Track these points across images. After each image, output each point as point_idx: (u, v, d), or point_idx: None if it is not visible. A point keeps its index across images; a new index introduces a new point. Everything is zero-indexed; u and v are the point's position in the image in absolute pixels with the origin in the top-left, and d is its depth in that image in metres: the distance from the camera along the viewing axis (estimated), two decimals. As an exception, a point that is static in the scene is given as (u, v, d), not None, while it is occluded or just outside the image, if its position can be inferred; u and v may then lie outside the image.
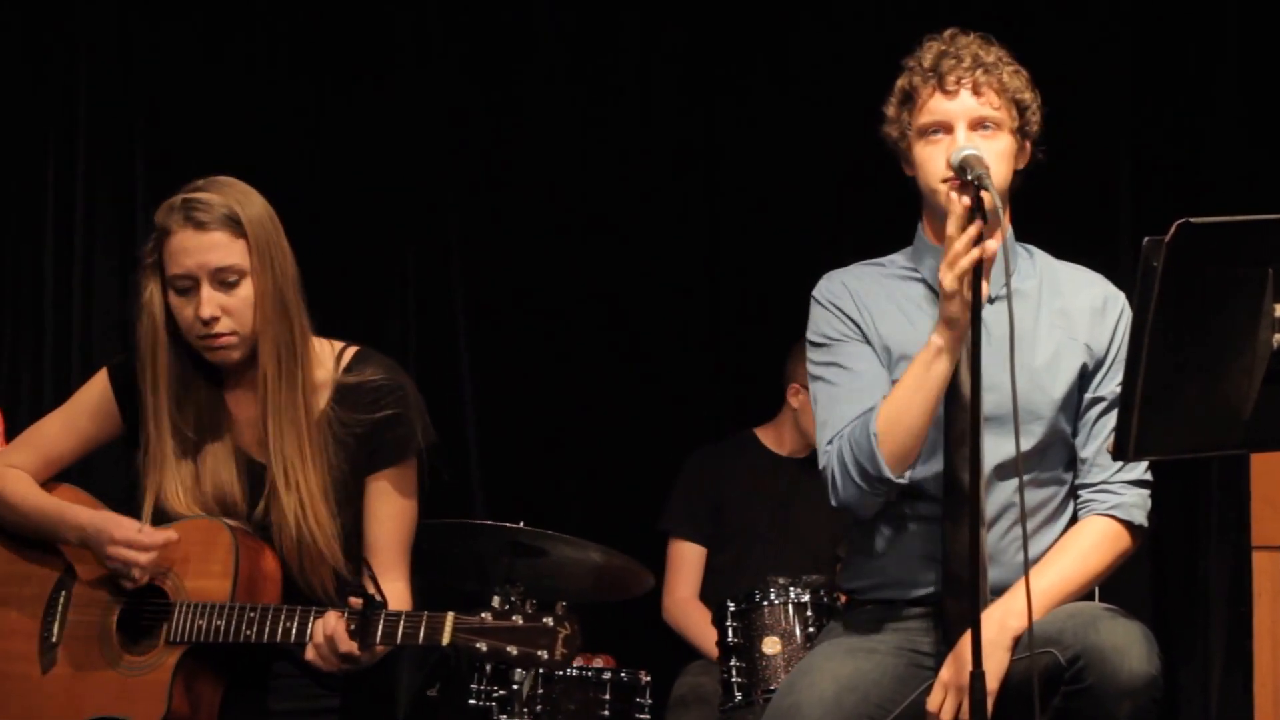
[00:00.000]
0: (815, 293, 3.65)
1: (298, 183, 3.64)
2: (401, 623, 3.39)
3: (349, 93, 5.67)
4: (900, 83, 3.56)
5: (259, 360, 3.61)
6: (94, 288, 5.34)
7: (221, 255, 3.58)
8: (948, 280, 3.31)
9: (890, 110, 3.57)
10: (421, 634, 3.38)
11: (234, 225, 3.58)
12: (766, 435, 5.43)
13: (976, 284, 3.35)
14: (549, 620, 3.33)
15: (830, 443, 3.50)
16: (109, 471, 4.06)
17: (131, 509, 3.69)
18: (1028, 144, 3.56)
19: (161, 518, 3.64)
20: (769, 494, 5.30)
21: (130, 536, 3.56)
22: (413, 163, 5.68)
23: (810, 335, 3.64)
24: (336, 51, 5.68)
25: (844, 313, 3.60)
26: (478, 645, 3.34)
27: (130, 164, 5.40)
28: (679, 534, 5.30)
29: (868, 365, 3.55)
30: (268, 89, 5.55)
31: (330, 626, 3.43)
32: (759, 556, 5.24)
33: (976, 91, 3.48)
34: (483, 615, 3.35)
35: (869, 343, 3.58)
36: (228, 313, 3.58)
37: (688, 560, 5.28)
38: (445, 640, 3.35)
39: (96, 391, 3.76)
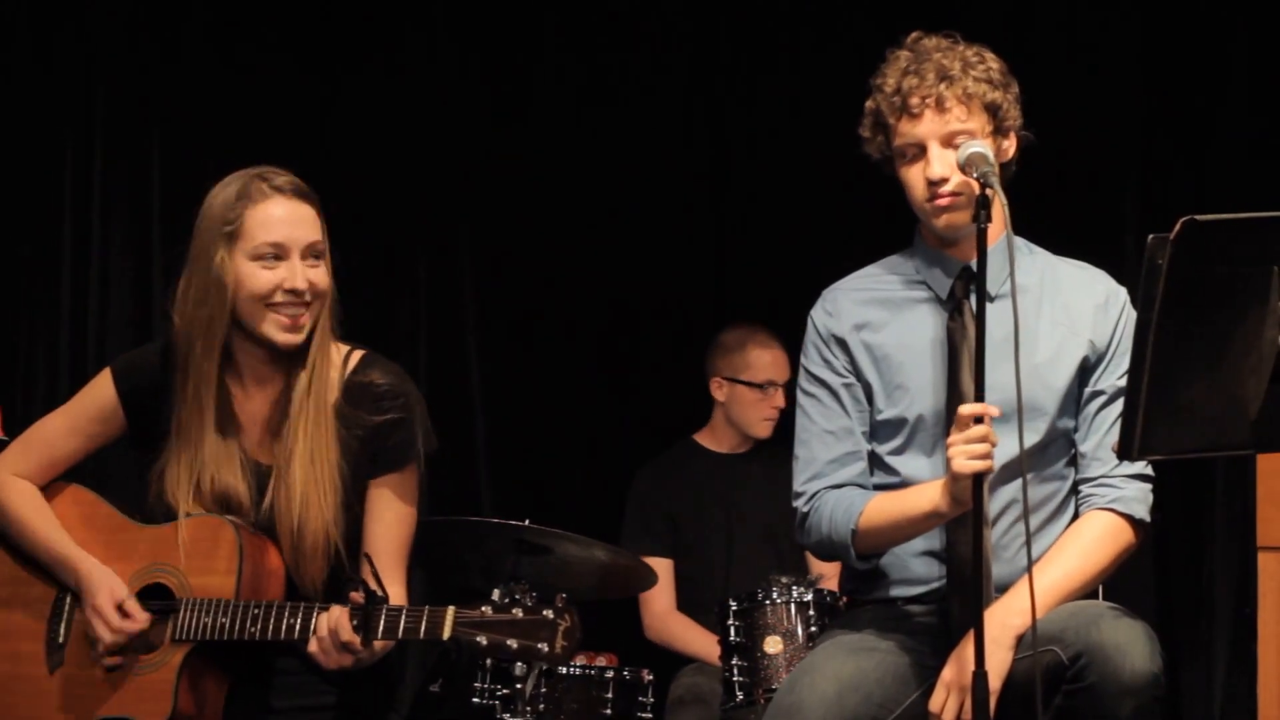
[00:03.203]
0: (812, 314, 3.69)
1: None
2: (403, 617, 3.40)
3: (359, 97, 5.66)
4: (869, 105, 3.58)
5: (311, 347, 3.60)
6: (110, 290, 5.33)
7: (312, 230, 3.60)
8: (964, 467, 3.30)
9: (865, 133, 3.60)
10: (423, 628, 3.38)
11: (318, 205, 3.62)
12: (705, 438, 5.43)
13: (980, 279, 3.36)
14: (549, 613, 3.34)
15: (808, 492, 3.59)
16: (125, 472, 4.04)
17: (141, 505, 3.71)
18: (1011, 136, 3.57)
19: (167, 512, 3.63)
20: (718, 495, 5.31)
21: (107, 611, 3.55)
22: (423, 168, 5.69)
23: (802, 358, 3.69)
24: (347, 55, 5.67)
25: (836, 341, 3.63)
26: (478, 639, 3.34)
27: (146, 168, 5.39)
28: (642, 551, 5.26)
29: (843, 412, 3.60)
30: (280, 92, 5.54)
31: (334, 620, 3.43)
32: (721, 557, 5.26)
33: (941, 108, 3.49)
34: (483, 609, 3.35)
35: (856, 376, 3.61)
36: (311, 287, 3.58)
37: (658, 575, 5.27)
38: (446, 634, 3.36)
39: (100, 392, 3.74)
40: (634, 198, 5.79)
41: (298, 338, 3.58)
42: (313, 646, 3.46)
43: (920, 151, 3.50)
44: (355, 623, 3.41)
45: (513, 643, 3.33)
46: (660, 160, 5.83)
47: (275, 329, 3.58)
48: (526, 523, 4.46)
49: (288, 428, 3.60)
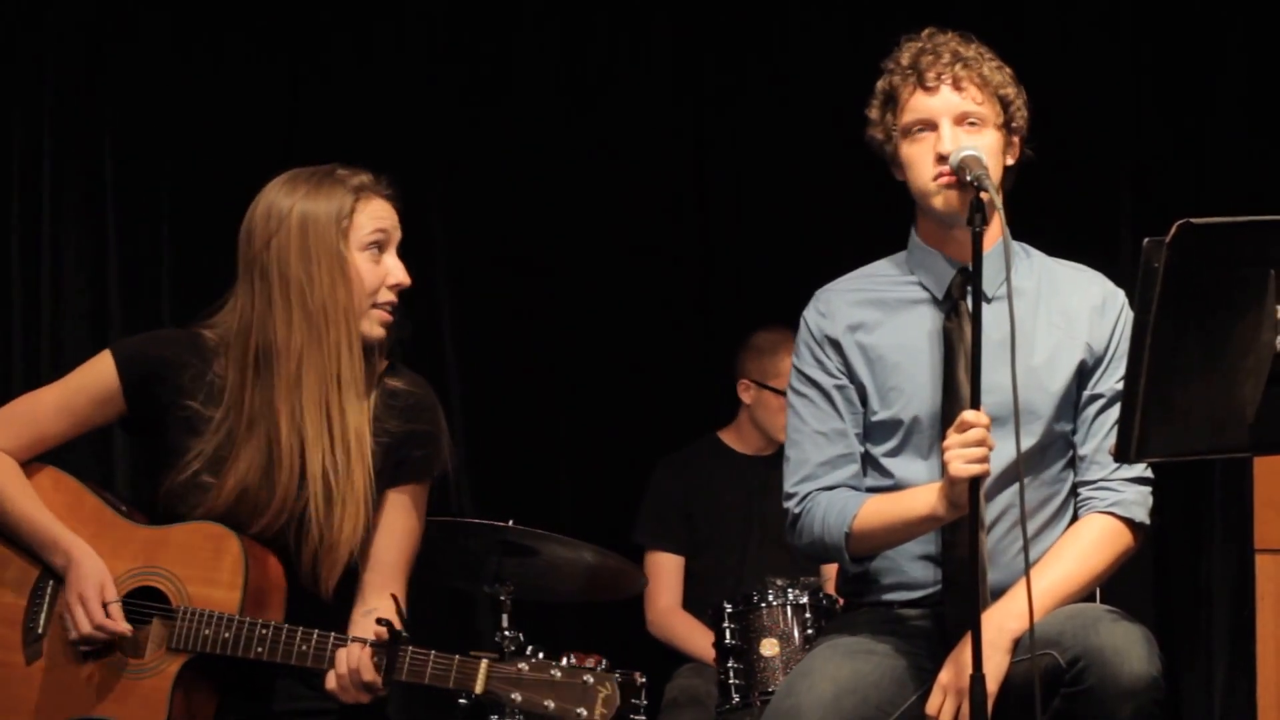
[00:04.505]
0: (805, 315, 3.66)
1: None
2: (431, 662, 3.36)
3: (325, 89, 5.61)
4: (880, 84, 3.56)
5: (380, 346, 3.64)
6: (63, 282, 5.27)
7: (400, 230, 3.67)
8: (961, 471, 3.28)
9: (873, 113, 3.57)
10: (452, 678, 3.34)
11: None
12: (729, 437, 5.42)
13: (976, 281, 3.35)
14: (589, 678, 3.28)
15: (800, 494, 3.57)
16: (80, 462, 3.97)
17: (131, 495, 3.67)
18: (1015, 140, 3.55)
19: (177, 507, 3.58)
20: (738, 496, 5.30)
21: (93, 605, 3.49)
22: (395, 161, 5.61)
23: (794, 359, 3.66)
24: (312, 42, 5.62)
25: (829, 342, 3.60)
26: (513, 695, 3.30)
27: (99, 156, 5.33)
28: (654, 545, 5.29)
29: (836, 414, 3.58)
30: (240, 82, 5.48)
31: (355, 659, 3.39)
32: (735, 558, 5.25)
33: (957, 86, 3.48)
34: (519, 666, 3.31)
35: (849, 377, 3.58)
36: (408, 285, 3.66)
37: (666, 570, 5.27)
38: (479, 689, 3.32)
39: (101, 374, 3.63)
40: (616, 192, 5.76)
41: (385, 334, 3.63)
42: (331, 684, 3.43)
43: (929, 129, 3.48)
44: (377, 660, 3.38)
45: (550, 704, 3.28)
46: (642, 152, 5.81)
47: (374, 323, 3.61)
48: (510, 523, 4.45)
49: (330, 430, 3.56)
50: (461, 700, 4.57)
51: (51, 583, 3.59)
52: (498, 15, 5.77)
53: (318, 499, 3.53)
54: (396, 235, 3.65)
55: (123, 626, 3.50)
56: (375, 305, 3.60)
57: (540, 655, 3.31)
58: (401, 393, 3.64)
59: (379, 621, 3.41)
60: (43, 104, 5.28)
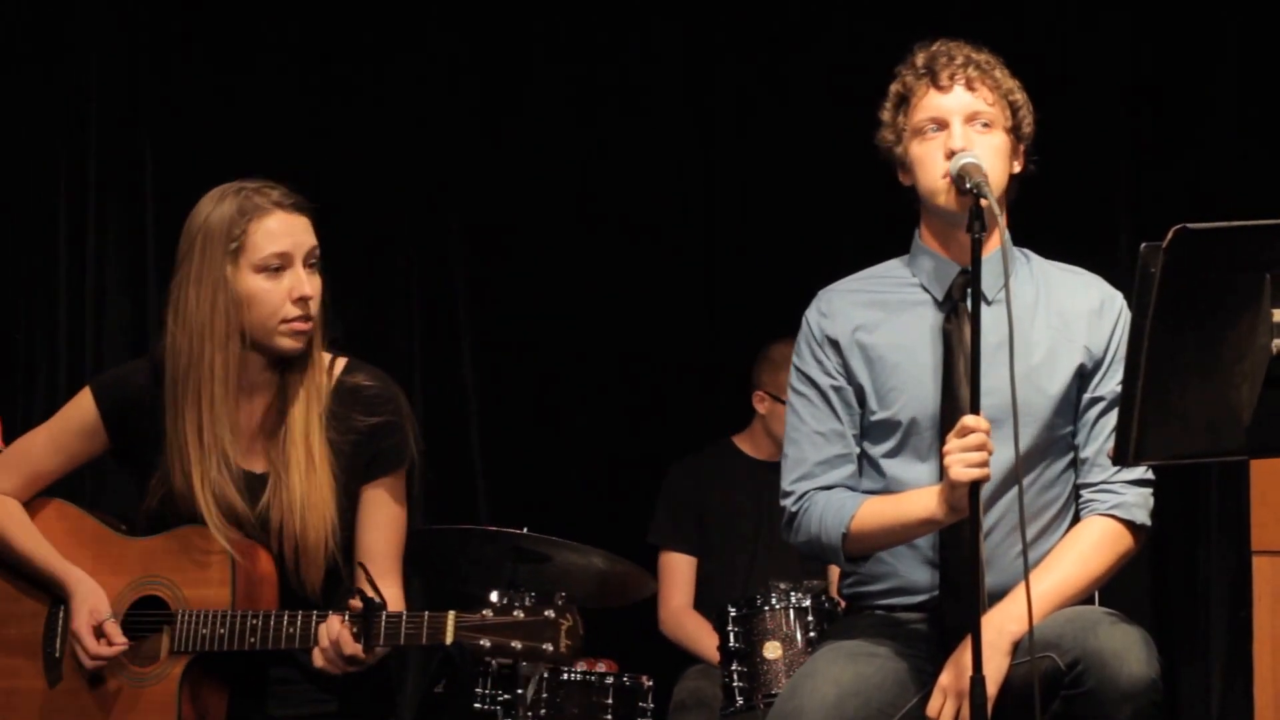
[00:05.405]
0: (807, 314, 3.67)
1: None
2: (403, 623, 3.42)
3: (349, 104, 5.68)
4: (894, 87, 3.57)
5: (307, 354, 3.63)
6: (105, 303, 5.36)
7: (311, 238, 3.62)
8: (962, 475, 3.30)
9: (885, 115, 3.58)
10: (424, 634, 3.40)
11: (313, 214, 3.64)
12: (743, 442, 5.44)
13: (976, 287, 3.35)
14: (550, 613, 3.36)
15: (798, 492, 3.58)
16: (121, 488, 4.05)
17: (132, 517, 3.72)
18: (1022, 147, 3.57)
19: (172, 521, 3.64)
20: (750, 500, 5.31)
21: (85, 637, 3.57)
22: (414, 174, 5.70)
23: (794, 357, 3.67)
24: (338, 69, 5.68)
25: (829, 343, 3.61)
26: (481, 642, 3.36)
27: (140, 178, 5.41)
28: (668, 546, 5.32)
29: (833, 415, 3.59)
30: (272, 106, 5.55)
31: (334, 631, 3.45)
32: (746, 562, 5.26)
33: (970, 87, 3.50)
34: (483, 612, 3.37)
35: (847, 378, 3.59)
36: (313, 296, 3.61)
37: (679, 571, 5.31)
38: (448, 639, 3.38)
39: (82, 410, 3.73)
40: (624, 201, 5.79)
41: (303, 344, 3.61)
42: (317, 659, 3.48)
43: (940, 127, 3.49)
44: (355, 630, 3.43)
45: (517, 644, 3.35)
46: (651, 161, 5.83)
47: (285, 338, 3.60)
48: (524, 530, 4.48)
49: (284, 435, 3.61)
50: (436, 690, 4.63)
51: (62, 610, 3.67)
52: (509, 35, 5.81)
53: (281, 509, 3.59)
54: (304, 246, 3.61)
55: (116, 647, 3.58)
56: (283, 321, 3.59)
57: (504, 601, 3.38)
58: (361, 388, 3.67)
59: (351, 591, 3.48)
60: (88, 129, 5.35)
